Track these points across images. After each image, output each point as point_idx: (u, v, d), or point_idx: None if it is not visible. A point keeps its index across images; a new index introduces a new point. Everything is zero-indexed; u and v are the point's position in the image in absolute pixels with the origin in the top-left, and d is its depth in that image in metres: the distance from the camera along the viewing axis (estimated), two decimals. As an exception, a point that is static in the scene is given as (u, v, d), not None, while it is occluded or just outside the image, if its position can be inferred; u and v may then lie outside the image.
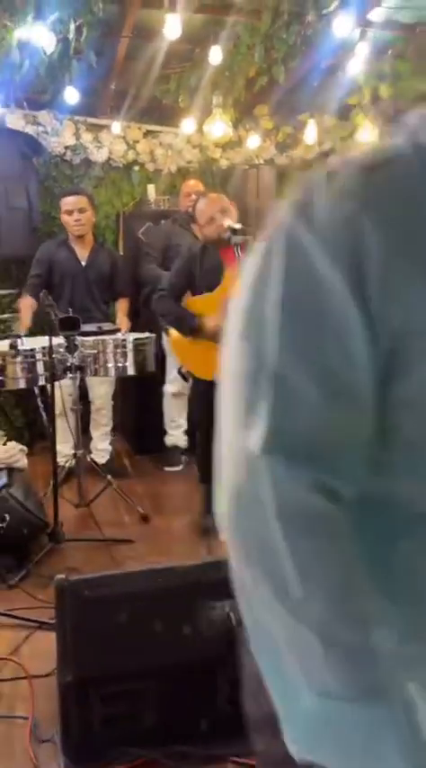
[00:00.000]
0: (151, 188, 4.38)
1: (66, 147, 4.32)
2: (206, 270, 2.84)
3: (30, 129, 4.15)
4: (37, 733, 1.76)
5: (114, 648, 1.68)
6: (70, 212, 3.54)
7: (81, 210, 3.54)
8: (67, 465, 3.34)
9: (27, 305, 3.49)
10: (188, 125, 4.27)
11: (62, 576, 1.75)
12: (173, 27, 2.83)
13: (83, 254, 3.68)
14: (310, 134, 4.52)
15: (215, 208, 2.77)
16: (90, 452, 3.63)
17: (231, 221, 2.59)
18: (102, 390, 3.77)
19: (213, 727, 1.72)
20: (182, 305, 2.90)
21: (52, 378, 2.78)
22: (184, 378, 3.14)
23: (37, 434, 4.32)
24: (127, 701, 1.68)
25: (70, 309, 3.09)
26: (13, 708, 1.88)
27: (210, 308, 2.78)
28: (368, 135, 4.18)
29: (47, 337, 2.77)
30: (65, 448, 3.37)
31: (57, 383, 2.85)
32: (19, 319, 3.50)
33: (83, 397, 3.71)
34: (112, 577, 1.77)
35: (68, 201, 3.55)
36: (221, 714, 1.72)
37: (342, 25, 2.70)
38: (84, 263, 3.67)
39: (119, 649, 1.68)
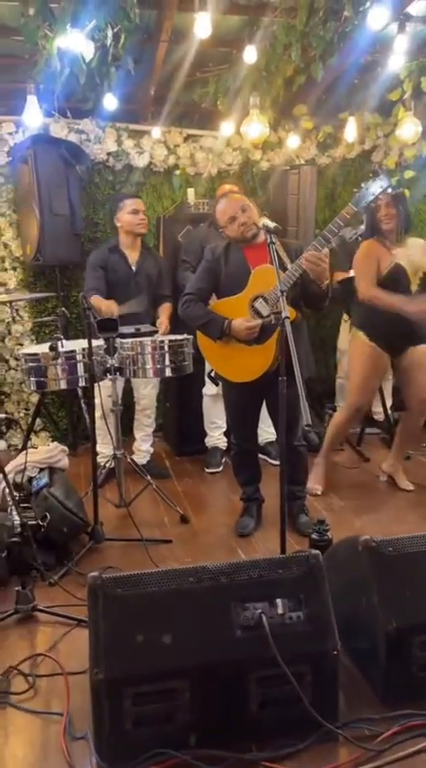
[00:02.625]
0: (191, 192, 4.40)
1: (109, 154, 4.39)
2: (230, 271, 2.83)
3: (73, 137, 4.23)
4: (71, 730, 1.78)
5: (146, 647, 1.69)
6: (136, 212, 3.67)
7: (143, 211, 3.71)
8: (108, 465, 3.38)
9: (99, 299, 3.50)
10: (227, 128, 4.28)
11: (95, 573, 1.77)
12: (203, 26, 2.83)
13: (133, 258, 3.74)
14: (350, 132, 4.44)
15: (235, 207, 2.76)
16: (132, 453, 3.68)
17: (266, 219, 2.56)
18: (147, 391, 3.82)
19: (244, 730, 1.70)
20: (209, 308, 2.89)
21: (91, 379, 2.82)
22: (214, 381, 3.13)
23: (80, 435, 4.41)
24: (159, 701, 1.67)
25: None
26: (49, 704, 1.91)
27: (237, 310, 2.77)
28: (410, 130, 4.08)
29: (86, 339, 2.81)
30: (105, 449, 3.42)
31: (97, 384, 2.89)
32: (95, 310, 3.30)
33: (127, 397, 3.76)
34: (145, 576, 1.78)
35: (133, 202, 3.69)
36: (253, 717, 1.70)
37: (379, 19, 2.64)
38: (134, 268, 3.74)
39: (151, 648, 1.69)
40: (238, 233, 2.78)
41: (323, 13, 2.96)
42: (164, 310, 3.76)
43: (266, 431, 3.81)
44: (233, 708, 1.70)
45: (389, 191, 2.73)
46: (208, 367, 3.30)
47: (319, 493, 3.51)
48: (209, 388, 3.88)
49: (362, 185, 2.55)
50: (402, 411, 3.80)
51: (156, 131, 4.35)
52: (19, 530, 2.39)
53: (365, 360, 3.34)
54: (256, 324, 2.70)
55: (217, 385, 3.32)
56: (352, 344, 3.49)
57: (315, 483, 3.51)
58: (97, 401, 2.89)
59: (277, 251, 2.48)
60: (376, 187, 2.52)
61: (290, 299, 2.60)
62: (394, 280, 3.19)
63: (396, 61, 3.53)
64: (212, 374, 3.09)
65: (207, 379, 3.83)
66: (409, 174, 4.68)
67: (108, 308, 3.43)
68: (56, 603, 2.39)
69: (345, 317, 4.43)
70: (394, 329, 3.20)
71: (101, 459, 3.41)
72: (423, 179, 4.80)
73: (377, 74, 3.92)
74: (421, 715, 1.77)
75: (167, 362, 3.15)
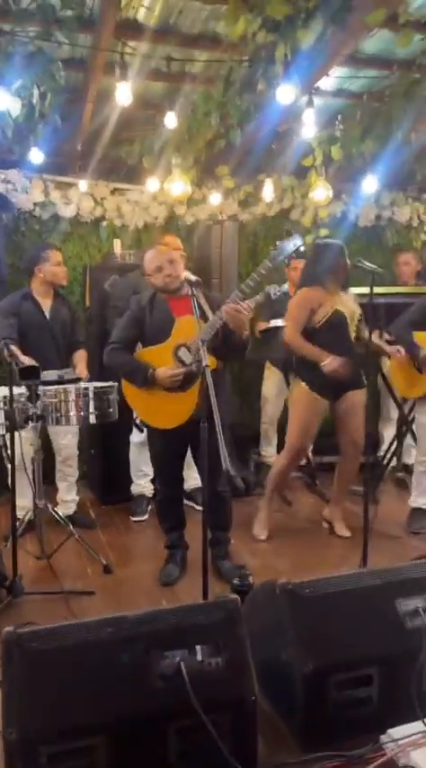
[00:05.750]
0: (117, 242, 4.50)
1: (35, 204, 4.45)
2: (155, 320, 2.91)
3: (-1, 187, 4.27)
4: (-19, 797, 1.69)
5: (62, 703, 1.64)
6: (60, 264, 3.73)
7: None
8: (27, 517, 3.29)
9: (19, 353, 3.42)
10: (152, 183, 4.45)
11: (10, 628, 1.72)
12: (124, 94, 3.00)
13: (47, 306, 3.75)
14: (268, 192, 4.72)
15: (162, 258, 2.87)
16: (56, 504, 3.60)
17: (188, 273, 2.68)
18: (65, 440, 3.76)
19: (164, 784, 1.68)
20: (134, 356, 2.95)
21: (12, 427, 2.78)
22: (139, 428, 3.16)
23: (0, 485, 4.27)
24: (76, 760, 1.62)
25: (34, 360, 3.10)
26: (-42, 771, 1.80)
27: (161, 358, 2.84)
28: (322, 194, 4.39)
29: (7, 387, 2.78)
30: (23, 501, 3.32)
31: (17, 433, 2.85)
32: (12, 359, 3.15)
33: (45, 448, 3.68)
34: (62, 628, 1.74)
35: (57, 254, 3.74)
36: (172, 769, 1.68)
37: (286, 95, 2.87)
38: (48, 316, 3.73)
39: (68, 704, 1.64)
40: (163, 283, 2.87)
41: (240, 86, 3.19)
42: (81, 358, 3.76)
43: (192, 476, 3.84)
44: (152, 762, 1.67)
45: (301, 249, 2.91)
46: (135, 413, 3.33)
47: (263, 538, 3.57)
48: (136, 435, 3.89)
49: (277, 243, 2.72)
50: (329, 456, 3.98)
51: (83, 184, 4.46)
52: None
53: (305, 405, 3.47)
54: (179, 372, 2.78)
55: (141, 432, 3.35)
56: (294, 392, 3.61)
57: (259, 529, 3.60)
58: (17, 450, 2.84)
59: (200, 303, 2.59)
60: (290, 246, 2.70)
61: (212, 349, 2.71)
62: (335, 325, 3.35)
63: (308, 131, 3.82)
64: (138, 421, 3.12)
65: (134, 427, 3.85)
66: (324, 231, 5.00)
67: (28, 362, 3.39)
68: (-31, 664, 2.28)
69: (268, 363, 4.60)
70: (332, 378, 3.33)
71: (20, 512, 3.31)
72: (337, 237, 5.12)
73: (292, 140, 4.23)
74: (339, 756, 1.80)
75: (91, 409, 3.15)
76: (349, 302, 3.45)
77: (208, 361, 2.31)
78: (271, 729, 1.92)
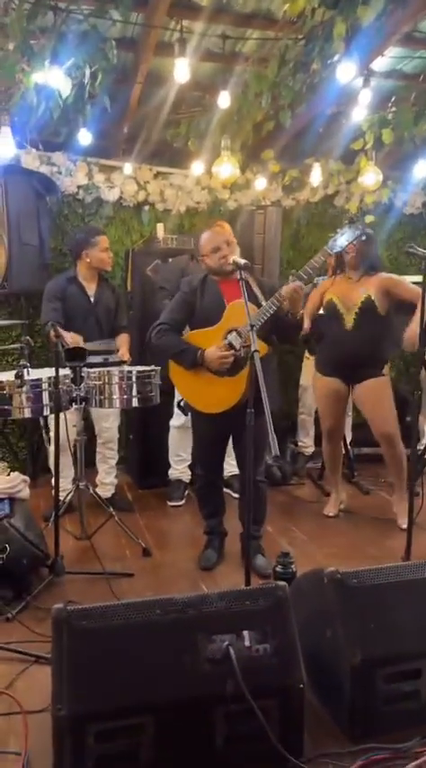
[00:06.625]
0: (160, 227, 4.47)
1: (79, 187, 4.45)
2: (206, 303, 2.88)
3: (44, 170, 4.28)
4: (29, 770, 1.71)
5: (111, 682, 1.65)
6: (107, 250, 3.73)
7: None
8: (68, 499, 3.32)
9: (65, 332, 3.46)
10: (197, 167, 4.40)
11: (60, 605, 1.73)
12: (182, 71, 2.95)
13: (91, 290, 3.76)
14: (315, 177, 4.63)
15: (220, 239, 2.83)
16: (95, 486, 3.62)
17: (236, 256, 2.64)
18: (108, 423, 3.79)
19: (210, 767, 1.67)
20: (183, 338, 2.93)
21: (57, 408, 2.79)
22: (183, 411, 3.15)
23: (40, 467, 4.33)
24: (123, 739, 1.63)
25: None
26: (6, 743, 1.83)
27: (210, 341, 2.82)
28: (372, 179, 4.28)
29: (52, 368, 2.79)
30: (65, 482, 3.35)
31: (61, 414, 2.86)
32: (58, 340, 3.16)
33: (88, 431, 3.71)
34: (110, 608, 1.75)
35: (104, 239, 3.72)
36: (218, 753, 1.68)
37: (345, 73, 2.80)
38: (93, 300, 3.74)
39: (116, 683, 1.65)
40: (218, 265, 2.83)
41: (293, 65, 3.12)
42: (123, 341, 3.76)
43: (230, 464, 3.83)
44: (198, 744, 1.67)
45: (363, 238, 2.87)
46: (178, 396, 3.31)
47: (331, 514, 3.75)
48: (176, 420, 3.89)
49: (338, 231, 2.67)
50: (368, 448, 3.97)
51: (128, 167, 4.44)
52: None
53: (320, 389, 3.62)
54: (228, 354, 2.75)
55: (186, 414, 3.32)
56: (313, 378, 3.78)
57: (329, 508, 3.79)
58: (61, 431, 2.86)
59: (251, 287, 2.54)
60: (350, 234, 2.65)
61: (263, 335, 2.68)
62: (327, 314, 3.48)
63: (359, 113, 3.73)
64: (182, 404, 3.10)
65: (176, 410, 3.85)
66: (370, 218, 4.89)
67: (73, 339, 3.42)
68: (13, 639, 2.32)
69: (306, 353, 4.54)
70: (334, 359, 3.49)
71: (61, 493, 3.34)
72: (383, 223, 5.02)
73: (341, 124, 4.13)
74: (385, 749, 1.78)
75: (134, 393, 3.14)
76: (369, 286, 3.35)
77: (258, 346, 2.27)
78: (316, 718, 1.90)
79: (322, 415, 3.67)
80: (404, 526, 3.39)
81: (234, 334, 2.78)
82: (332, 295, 3.43)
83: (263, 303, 2.69)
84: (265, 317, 2.64)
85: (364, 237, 2.87)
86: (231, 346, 2.78)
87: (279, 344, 2.99)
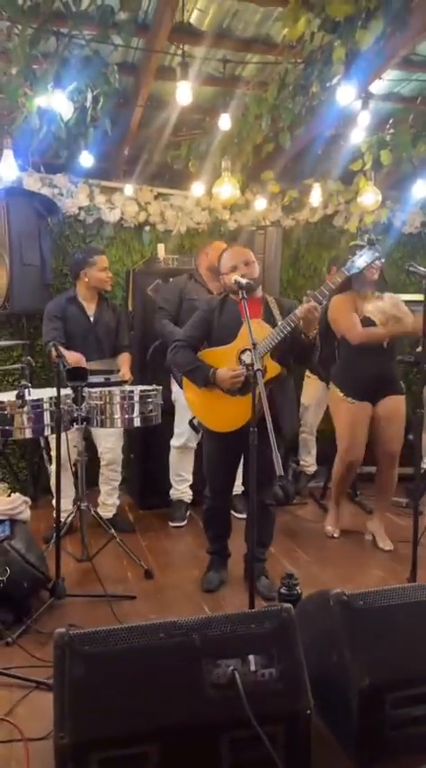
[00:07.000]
0: (161, 247, 4.50)
1: (80, 208, 4.49)
2: (224, 322, 2.87)
3: (46, 191, 4.32)
4: (30, 800, 1.67)
5: (114, 709, 1.62)
6: (106, 270, 3.74)
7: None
8: (69, 520, 3.29)
9: (67, 351, 3.45)
10: (197, 188, 4.44)
11: (62, 629, 1.70)
12: (184, 94, 2.98)
13: (91, 310, 3.76)
14: (315, 197, 4.67)
15: (239, 259, 2.82)
16: (96, 506, 3.59)
17: (239, 277, 2.66)
18: (110, 444, 3.76)
19: (216, 797, 1.63)
20: (197, 356, 2.92)
21: (58, 428, 2.78)
22: (195, 429, 3.13)
23: (41, 488, 4.30)
24: (127, 766, 1.59)
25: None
26: (6, 772, 1.79)
27: (223, 359, 2.81)
28: (371, 199, 4.32)
29: (54, 388, 2.78)
30: (66, 502, 3.32)
31: (63, 434, 2.85)
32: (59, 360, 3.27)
33: (89, 451, 3.68)
34: (113, 632, 1.72)
35: (103, 260, 3.74)
36: (225, 782, 1.63)
37: (344, 95, 2.84)
38: (92, 319, 3.75)
39: (120, 710, 1.62)
40: (230, 283, 2.83)
41: (293, 88, 3.16)
42: (124, 361, 3.76)
43: (235, 483, 3.80)
44: (204, 772, 1.63)
45: (382, 260, 2.90)
46: (189, 414, 3.29)
47: (335, 535, 3.73)
48: (177, 440, 3.87)
49: (356, 253, 2.69)
50: (369, 466, 3.90)
51: (129, 189, 4.48)
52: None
53: (344, 413, 3.50)
54: (240, 372, 2.74)
55: (198, 433, 3.30)
56: (331, 400, 3.66)
57: (330, 525, 3.77)
58: (62, 451, 2.84)
59: (269, 306, 2.55)
60: (368, 257, 2.68)
61: (278, 355, 2.70)
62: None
63: (358, 135, 3.77)
64: (195, 422, 3.09)
65: (176, 430, 3.83)
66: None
67: (75, 359, 3.42)
68: (13, 664, 2.28)
69: (307, 372, 4.54)
70: (365, 381, 3.40)
71: (62, 514, 3.31)
72: (382, 244, 5.05)
73: (340, 145, 4.18)
74: (394, 776, 1.74)
75: (136, 413, 3.13)
76: (386, 307, 3.39)
77: (269, 366, 2.27)
78: (322, 742, 1.86)
79: (350, 444, 3.48)
80: (387, 548, 3.51)
81: (248, 353, 2.77)
82: (366, 313, 3.38)
83: (279, 323, 2.70)
84: (279, 338, 2.64)
85: (382, 259, 2.91)
86: (245, 365, 2.77)
87: (296, 365, 2.98)
